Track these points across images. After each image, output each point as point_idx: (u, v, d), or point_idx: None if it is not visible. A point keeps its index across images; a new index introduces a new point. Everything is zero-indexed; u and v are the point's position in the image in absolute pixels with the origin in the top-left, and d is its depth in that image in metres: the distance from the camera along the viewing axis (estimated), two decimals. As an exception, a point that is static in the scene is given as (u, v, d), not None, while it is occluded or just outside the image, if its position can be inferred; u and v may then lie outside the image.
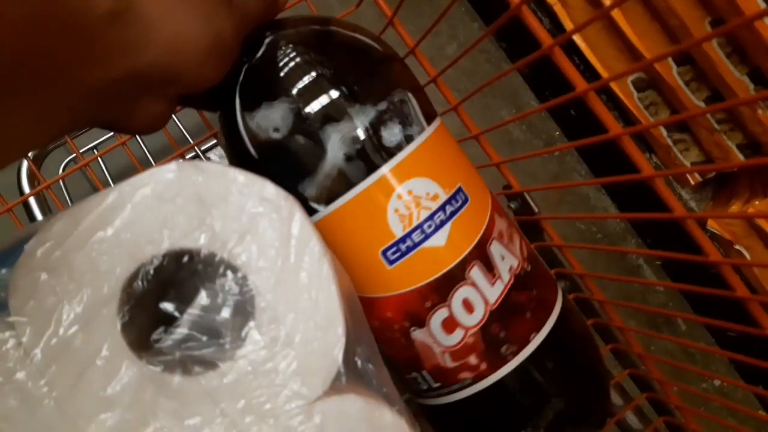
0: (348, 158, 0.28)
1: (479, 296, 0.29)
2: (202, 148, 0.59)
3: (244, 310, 0.23)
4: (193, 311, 0.22)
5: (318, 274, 0.24)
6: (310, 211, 0.29)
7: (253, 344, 0.23)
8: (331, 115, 0.28)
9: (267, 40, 0.30)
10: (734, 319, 0.33)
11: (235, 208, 0.23)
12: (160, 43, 0.22)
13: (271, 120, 0.28)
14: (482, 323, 0.29)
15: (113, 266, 0.22)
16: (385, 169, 0.28)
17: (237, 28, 0.26)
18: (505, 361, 0.30)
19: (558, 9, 0.95)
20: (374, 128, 0.28)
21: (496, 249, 0.31)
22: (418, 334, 0.30)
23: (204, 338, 0.22)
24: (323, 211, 0.28)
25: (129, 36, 0.21)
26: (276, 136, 0.28)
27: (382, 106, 0.29)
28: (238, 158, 0.30)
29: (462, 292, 0.29)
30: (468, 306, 0.29)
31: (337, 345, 0.23)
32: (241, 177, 0.23)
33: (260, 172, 0.25)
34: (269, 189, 0.24)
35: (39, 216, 0.43)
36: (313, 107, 0.28)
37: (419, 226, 0.28)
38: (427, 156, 0.30)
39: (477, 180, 0.32)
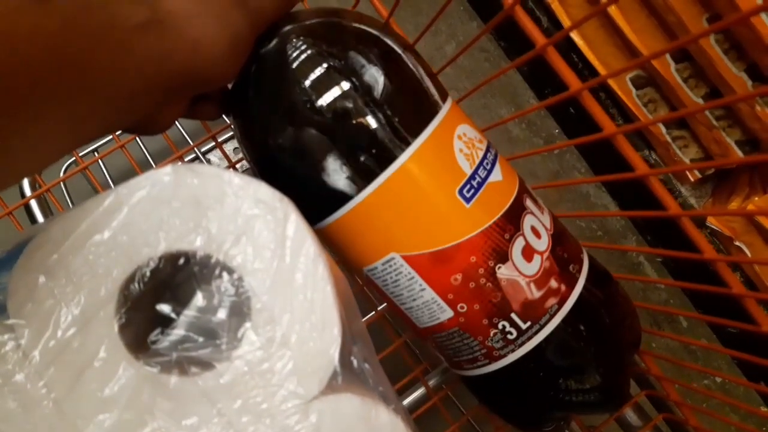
0: (413, 100, 0.31)
1: (540, 223, 0.32)
2: (202, 150, 0.59)
3: (240, 312, 0.23)
4: (189, 312, 0.22)
5: (313, 275, 0.24)
6: (372, 175, 0.29)
7: (249, 345, 0.23)
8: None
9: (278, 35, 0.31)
10: (735, 315, 0.33)
11: (231, 210, 0.23)
12: (186, 48, 0.23)
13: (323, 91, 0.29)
14: (549, 247, 0.32)
15: (110, 268, 0.22)
16: (442, 114, 0.31)
17: (252, 26, 0.27)
18: (575, 278, 0.33)
19: (556, 6, 0.95)
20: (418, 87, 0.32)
21: (529, 187, 0.34)
22: (504, 271, 0.31)
23: (200, 339, 0.22)
24: (396, 163, 0.29)
25: (160, 47, 0.22)
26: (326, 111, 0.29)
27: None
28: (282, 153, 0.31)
29: (528, 220, 0.32)
30: (536, 232, 0.32)
31: (333, 345, 0.24)
32: (236, 179, 0.24)
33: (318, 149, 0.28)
34: (264, 191, 0.24)
35: (40, 218, 0.43)
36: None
37: (481, 163, 0.31)
38: (460, 111, 0.33)
39: None
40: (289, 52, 0.30)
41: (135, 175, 0.24)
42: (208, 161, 0.57)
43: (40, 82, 0.18)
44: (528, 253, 0.31)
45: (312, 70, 0.29)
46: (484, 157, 0.32)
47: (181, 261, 0.23)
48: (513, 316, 0.31)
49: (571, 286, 0.32)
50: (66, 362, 0.21)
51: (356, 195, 0.30)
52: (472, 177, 0.31)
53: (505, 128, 1.16)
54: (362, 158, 0.29)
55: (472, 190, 0.31)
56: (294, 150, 0.30)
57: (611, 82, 0.93)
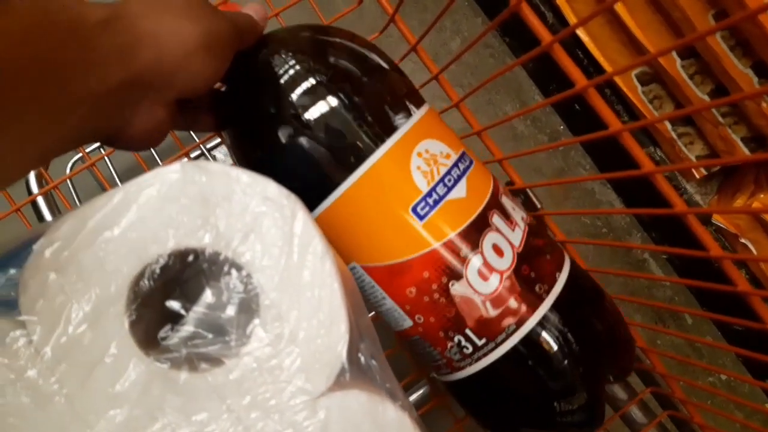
0: (366, 125, 0.30)
1: (505, 241, 0.32)
2: (208, 146, 0.59)
3: (249, 308, 0.23)
4: (198, 309, 0.23)
5: (321, 272, 0.24)
6: (332, 188, 0.30)
7: (257, 341, 0.23)
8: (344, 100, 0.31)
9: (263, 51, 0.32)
10: (740, 312, 0.33)
11: (239, 207, 0.23)
12: (151, 44, 0.24)
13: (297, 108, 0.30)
14: (513, 266, 0.31)
15: (120, 265, 0.22)
16: (401, 132, 0.31)
17: (228, 30, 0.27)
18: (541, 299, 0.32)
19: (561, 2, 0.95)
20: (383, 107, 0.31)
21: (506, 201, 0.33)
22: (457, 288, 0.31)
23: (210, 335, 0.23)
24: (352, 177, 0.30)
25: (122, 41, 0.23)
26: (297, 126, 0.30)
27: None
28: (255, 160, 0.32)
29: (490, 238, 0.31)
30: (498, 250, 0.31)
31: (341, 341, 0.24)
32: (245, 177, 0.24)
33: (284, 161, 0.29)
34: (272, 188, 0.24)
35: (47, 215, 0.44)
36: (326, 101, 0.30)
37: (441, 180, 0.31)
38: (431, 124, 0.33)
39: (472, 152, 0.35)
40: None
41: (142, 172, 0.24)
42: (214, 158, 0.58)
43: (10, 83, 0.19)
44: (485, 271, 0.31)
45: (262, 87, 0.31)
46: (447, 173, 0.31)
47: (190, 258, 0.23)
48: (468, 332, 0.31)
49: (533, 307, 0.32)
50: (77, 358, 0.22)
51: (316, 207, 0.31)
52: (428, 195, 0.31)
53: (510, 124, 1.16)
54: (317, 175, 0.30)
55: (427, 208, 0.31)
56: (258, 160, 0.31)
57: (617, 79, 0.93)
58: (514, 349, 0.32)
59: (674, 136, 0.92)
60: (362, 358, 0.25)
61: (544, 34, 0.32)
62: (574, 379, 0.32)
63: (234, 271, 0.23)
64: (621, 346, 0.36)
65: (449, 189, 0.31)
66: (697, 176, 0.94)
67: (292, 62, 0.31)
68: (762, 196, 0.84)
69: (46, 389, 0.21)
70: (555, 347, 0.32)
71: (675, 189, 0.96)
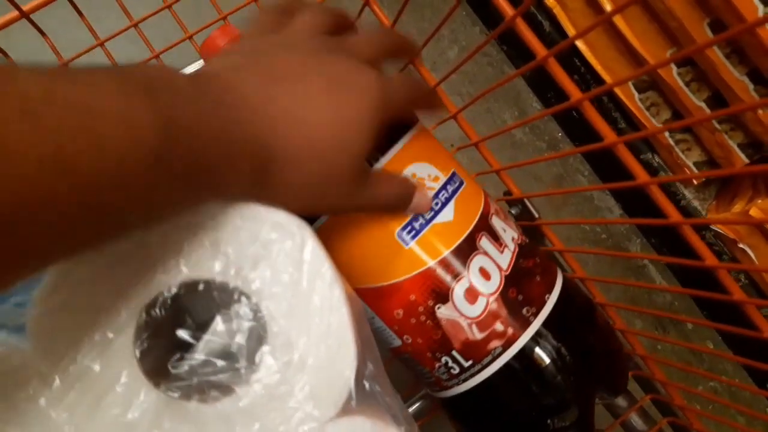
0: None
1: (493, 264, 0.32)
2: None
3: (258, 335, 0.23)
4: (208, 337, 0.23)
5: (330, 299, 0.24)
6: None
7: (267, 368, 0.23)
8: None
9: None
10: (739, 317, 0.33)
11: (249, 235, 0.24)
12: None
13: None
14: (500, 289, 0.31)
15: (130, 295, 0.22)
16: (388, 157, 0.31)
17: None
18: (528, 322, 0.31)
19: (558, 11, 0.96)
20: None
21: (497, 222, 0.33)
22: (443, 311, 0.31)
23: (220, 364, 0.23)
24: None
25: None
26: None
27: None
28: None
29: (477, 261, 0.31)
30: (485, 274, 0.31)
31: (349, 368, 0.24)
32: (254, 204, 0.24)
33: None
34: (281, 216, 0.24)
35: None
36: None
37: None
38: (420, 145, 0.33)
39: (464, 171, 0.35)
40: None
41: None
42: None
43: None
44: (471, 295, 0.31)
45: None
46: (435, 196, 0.32)
47: (201, 287, 0.23)
48: (455, 353, 0.32)
49: (520, 330, 0.32)
50: (86, 387, 0.22)
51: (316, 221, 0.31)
52: (415, 219, 0.31)
53: (508, 132, 1.17)
54: None
55: (413, 232, 0.31)
56: None
57: (614, 87, 0.94)
58: (500, 371, 0.32)
59: (671, 142, 0.93)
60: (367, 385, 0.25)
61: (539, 49, 0.33)
62: (563, 400, 0.32)
63: (244, 299, 0.23)
64: (613, 365, 0.36)
65: (436, 213, 0.31)
66: (695, 182, 0.95)
67: None
68: (760, 201, 0.84)
69: (55, 418, 0.21)
70: (542, 369, 0.32)
71: (673, 195, 0.96)
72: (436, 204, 0.31)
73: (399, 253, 0.31)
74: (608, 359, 0.36)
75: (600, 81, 0.96)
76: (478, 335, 0.31)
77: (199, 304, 0.24)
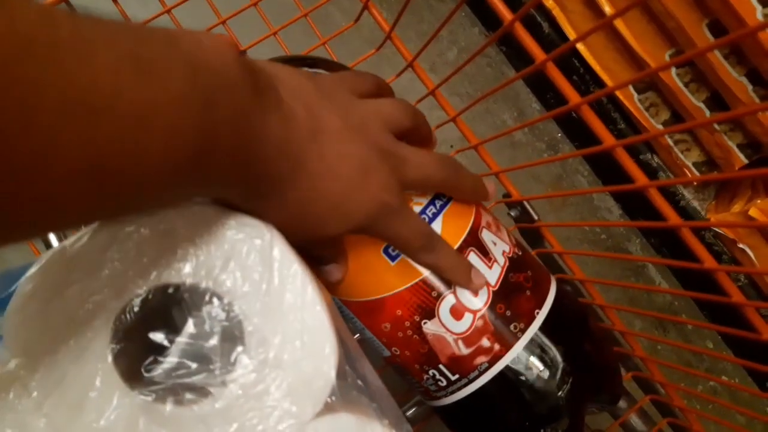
0: None
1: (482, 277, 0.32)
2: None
3: (233, 335, 0.23)
4: (182, 340, 0.23)
5: (302, 295, 0.24)
6: None
7: (242, 368, 0.23)
8: None
9: None
10: (739, 317, 0.33)
11: (217, 236, 0.24)
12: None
13: None
14: (487, 304, 0.31)
15: (102, 300, 0.23)
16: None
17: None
18: (516, 338, 0.31)
19: (557, 13, 0.96)
20: None
21: (487, 236, 0.33)
22: (429, 327, 0.31)
23: (194, 365, 0.23)
24: None
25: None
26: None
27: None
28: None
29: None
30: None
31: (327, 363, 0.24)
32: (221, 207, 0.24)
33: None
34: (247, 216, 0.24)
35: (52, 236, 0.44)
36: None
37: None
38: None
39: None
40: None
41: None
42: None
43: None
44: (458, 311, 0.31)
45: None
46: (422, 212, 0.32)
47: (171, 289, 0.23)
48: (441, 367, 0.32)
49: (507, 346, 0.31)
50: (63, 393, 0.22)
51: None
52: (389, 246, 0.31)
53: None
54: None
55: (396, 251, 0.31)
56: None
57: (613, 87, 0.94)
58: (486, 385, 0.32)
59: (671, 143, 0.93)
60: (349, 379, 0.25)
61: (538, 53, 0.33)
62: (553, 411, 0.32)
63: (216, 300, 0.23)
64: (606, 375, 0.36)
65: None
66: (695, 182, 0.95)
67: None
68: (759, 201, 0.85)
69: (34, 424, 0.21)
70: (529, 383, 0.32)
71: (672, 195, 0.96)
72: (423, 220, 0.31)
73: (385, 269, 0.31)
74: (601, 371, 0.36)
75: (599, 81, 0.96)
76: (465, 351, 0.31)
77: (171, 307, 0.24)
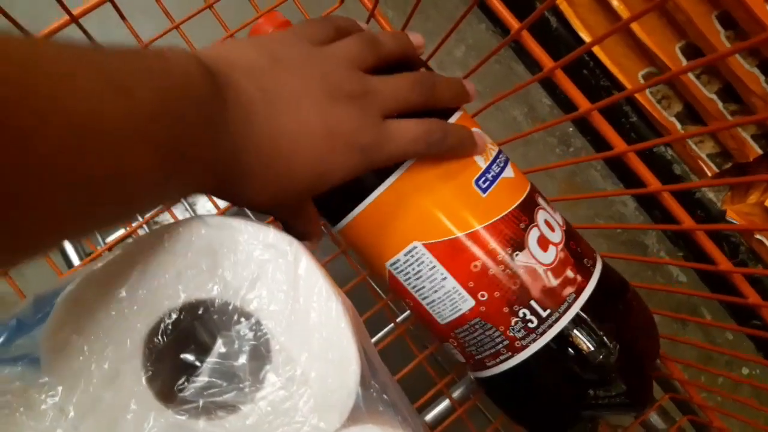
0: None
1: (552, 218, 0.34)
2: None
3: (260, 354, 0.24)
4: (212, 359, 0.23)
5: (327, 313, 0.25)
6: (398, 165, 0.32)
7: (271, 385, 0.24)
8: None
9: None
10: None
11: (244, 256, 0.24)
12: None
13: None
14: (563, 241, 0.33)
15: (134, 323, 0.23)
16: (456, 116, 0.33)
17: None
18: (590, 271, 0.34)
19: (564, 8, 0.96)
20: None
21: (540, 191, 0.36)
22: (521, 258, 0.32)
23: (224, 384, 0.23)
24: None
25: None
26: None
27: None
28: None
29: (541, 214, 0.33)
30: (549, 226, 0.33)
31: (353, 379, 0.24)
32: (247, 227, 0.25)
33: None
34: (273, 235, 0.25)
35: (73, 255, 0.45)
36: None
37: (494, 160, 0.34)
38: (472, 119, 0.36)
39: None
40: None
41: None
42: (194, 210, 0.57)
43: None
44: (543, 243, 0.33)
45: None
46: (497, 156, 0.34)
47: (201, 310, 0.24)
48: (533, 303, 0.32)
49: (586, 278, 0.33)
50: (99, 416, 0.22)
51: (378, 186, 0.32)
52: (487, 171, 0.33)
53: (519, 127, 1.16)
54: None
55: (488, 182, 0.33)
56: None
57: (624, 80, 0.93)
58: (576, 317, 0.32)
59: (684, 135, 0.92)
60: (374, 393, 0.25)
61: (546, 61, 0.33)
62: (633, 346, 0.34)
63: (243, 320, 0.24)
64: (653, 328, 0.37)
65: (502, 169, 0.33)
66: (709, 174, 0.94)
67: None
68: (775, 192, 0.84)
69: None
70: (611, 315, 0.34)
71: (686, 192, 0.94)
72: (500, 162, 0.33)
73: (477, 201, 0.32)
74: (648, 324, 0.37)
75: (609, 76, 0.96)
76: (554, 281, 0.32)
77: (201, 326, 0.24)
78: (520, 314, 0.32)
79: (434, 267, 0.32)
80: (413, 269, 0.33)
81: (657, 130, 0.98)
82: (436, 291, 0.33)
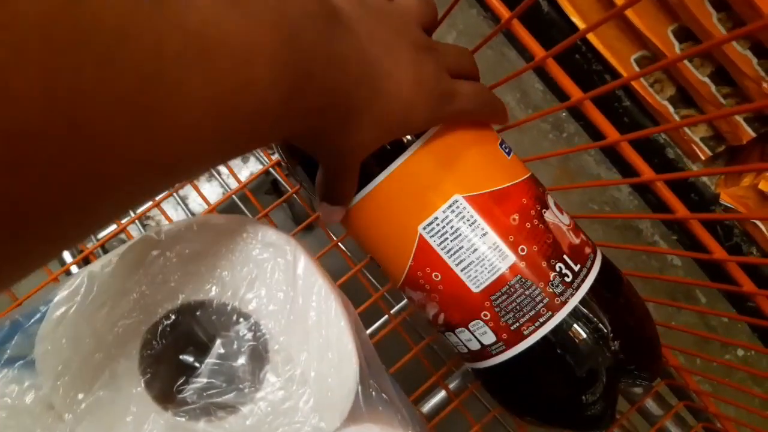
0: None
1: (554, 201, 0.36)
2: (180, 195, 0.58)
3: (260, 354, 0.24)
4: (211, 360, 0.23)
5: (327, 312, 0.24)
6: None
7: (270, 385, 0.24)
8: None
9: None
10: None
11: (242, 256, 0.24)
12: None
13: None
14: (569, 218, 0.36)
15: (131, 324, 0.23)
16: None
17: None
18: (595, 247, 0.36)
19: (556, -9, 0.95)
20: None
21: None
22: (549, 216, 0.34)
23: (224, 385, 0.23)
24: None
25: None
26: None
27: None
28: None
29: (548, 192, 0.36)
30: (554, 201, 0.36)
31: (352, 378, 0.24)
32: (245, 226, 0.24)
33: None
34: (272, 234, 0.25)
35: (68, 258, 0.44)
36: None
37: (502, 141, 0.35)
38: None
39: None
40: None
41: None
42: (187, 206, 0.57)
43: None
44: (558, 207, 0.35)
45: None
46: (502, 140, 0.35)
47: (199, 312, 0.24)
48: (565, 257, 0.33)
49: (594, 245, 0.35)
50: (98, 418, 0.22)
51: (413, 144, 0.32)
52: (502, 143, 0.35)
53: (512, 114, 1.16)
54: None
55: (508, 149, 0.35)
56: None
57: (617, 64, 0.93)
58: (599, 275, 0.34)
59: (677, 119, 0.92)
60: (373, 393, 0.25)
61: (537, 50, 0.33)
62: (644, 309, 0.36)
63: (242, 320, 0.24)
64: (650, 319, 0.38)
65: (509, 149, 0.35)
66: (703, 157, 0.94)
67: None
68: (769, 174, 0.84)
69: None
70: (621, 283, 0.36)
71: (681, 171, 0.95)
72: (506, 146, 0.35)
73: (505, 162, 0.34)
74: (644, 317, 0.38)
75: (601, 60, 0.95)
76: (576, 240, 0.34)
77: (199, 327, 0.24)
78: (557, 268, 0.33)
79: (475, 221, 0.32)
80: (452, 227, 0.32)
81: (650, 114, 0.98)
82: (474, 250, 0.32)
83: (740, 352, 1.08)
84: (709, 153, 0.93)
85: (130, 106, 0.14)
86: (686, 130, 0.92)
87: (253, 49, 0.18)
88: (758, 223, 0.88)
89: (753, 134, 0.85)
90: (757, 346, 0.35)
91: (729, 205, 0.91)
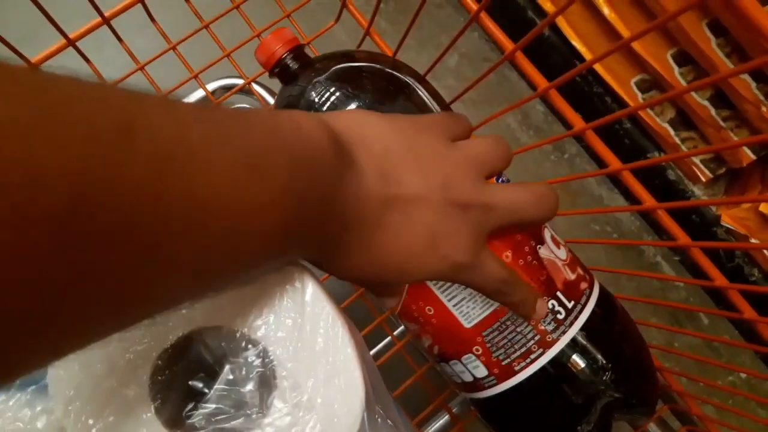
0: None
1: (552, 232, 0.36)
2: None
3: (267, 380, 0.24)
4: (219, 386, 0.24)
5: (334, 339, 0.25)
6: None
7: (277, 411, 0.24)
8: None
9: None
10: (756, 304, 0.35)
11: (251, 284, 0.25)
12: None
13: None
14: (567, 248, 0.36)
15: (143, 351, 0.23)
16: None
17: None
18: (592, 279, 0.36)
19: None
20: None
21: None
22: (544, 252, 0.34)
23: (232, 410, 0.24)
24: None
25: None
26: None
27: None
28: None
29: (548, 227, 0.36)
30: (553, 238, 0.35)
31: (358, 404, 0.25)
32: None
33: None
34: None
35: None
36: None
37: (500, 175, 0.35)
38: None
39: None
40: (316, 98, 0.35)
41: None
42: None
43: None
44: (555, 241, 0.35)
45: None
46: (499, 174, 0.35)
47: (209, 337, 0.24)
48: (559, 294, 0.33)
49: (591, 283, 0.35)
50: None
51: None
52: (498, 177, 0.35)
53: (514, 136, 1.17)
54: None
55: (504, 181, 0.35)
56: None
57: (617, 87, 0.94)
58: (593, 312, 0.34)
59: (677, 141, 0.93)
60: (379, 419, 0.26)
61: (539, 81, 0.33)
62: (640, 342, 0.37)
63: (251, 346, 0.24)
64: (644, 359, 0.38)
65: (507, 178, 0.36)
66: (703, 179, 0.94)
67: (332, 89, 0.35)
68: (769, 196, 0.84)
69: None
70: (618, 314, 0.36)
71: (682, 192, 0.95)
72: (503, 180, 0.36)
73: None
74: (641, 347, 0.38)
75: (602, 82, 0.96)
76: (571, 275, 0.34)
77: (208, 353, 0.25)
78: (550, 305, 0.33)
79: None
80: None
81: (650, 136, 0.98)
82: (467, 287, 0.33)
83: (743, 374, 1.08)
84: (710, 175, 0.94)
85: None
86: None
87: (253, 214, 0.19)
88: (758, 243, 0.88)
89: (753, 157, 0.85)
90: (755, 371, 0.36)
91: (730, 226, 0.91)
